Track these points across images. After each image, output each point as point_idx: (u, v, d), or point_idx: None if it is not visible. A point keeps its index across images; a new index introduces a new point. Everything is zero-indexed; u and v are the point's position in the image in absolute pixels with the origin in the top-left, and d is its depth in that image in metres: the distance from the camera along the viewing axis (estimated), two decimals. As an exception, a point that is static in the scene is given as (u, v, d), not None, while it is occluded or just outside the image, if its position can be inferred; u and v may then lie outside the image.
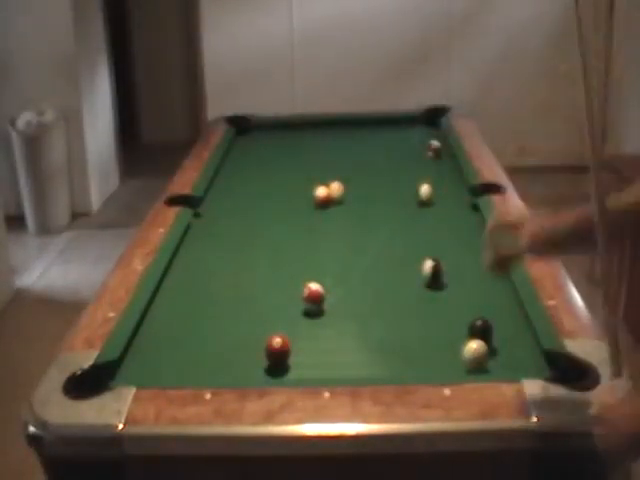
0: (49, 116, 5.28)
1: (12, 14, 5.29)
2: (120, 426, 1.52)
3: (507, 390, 1.57)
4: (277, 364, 1.76)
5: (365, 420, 1.53)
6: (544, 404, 1.52)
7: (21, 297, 4.45)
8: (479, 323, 1.81)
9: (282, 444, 1.53)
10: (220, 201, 2.91)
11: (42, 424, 1.54)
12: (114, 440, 1.51)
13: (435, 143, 3.34)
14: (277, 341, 1.76)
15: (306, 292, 2.00)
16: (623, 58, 5.53)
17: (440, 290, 2.13)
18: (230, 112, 3.99)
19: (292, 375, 1.75)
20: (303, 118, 4.14)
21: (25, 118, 5.22)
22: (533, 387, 1.57)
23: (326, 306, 2.02)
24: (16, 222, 5.22)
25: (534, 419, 1.49)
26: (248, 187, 3.11)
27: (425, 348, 1.85)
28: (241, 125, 3.85)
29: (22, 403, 1.62)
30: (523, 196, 2.74)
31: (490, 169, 3.02)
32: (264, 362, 1.78)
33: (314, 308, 2.00)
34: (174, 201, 2.77)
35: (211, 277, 2.30)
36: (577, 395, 1.54)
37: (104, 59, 6.04)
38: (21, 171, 5.33)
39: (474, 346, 1.73)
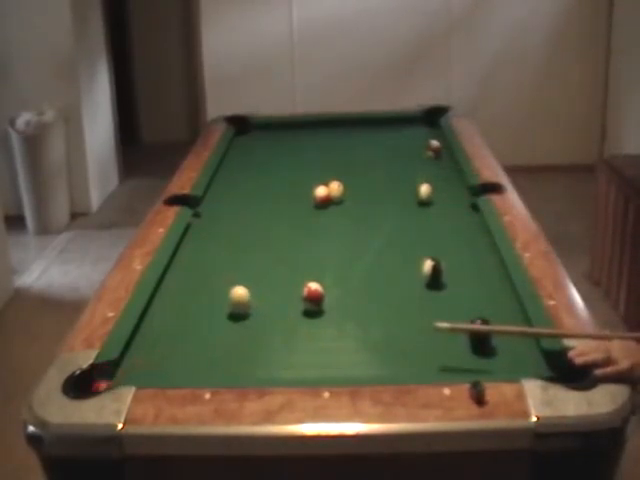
0: (49, 116, 5.28)
1: (12, 14, 5.29)
2: (120, 426, 1.51)
3: (507, 390, 1.57)
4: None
5: (365, 420, 1.52)
6: (544, 404, 1.52)
7: (21, 297, 4.45)
8: (479, 323, 1.81)
9: (282, 444, 1.53)
10: (219, 201, 2.91)
11: (42, 424, 1.54)
12: (114, 440, 1.51)
13: (435, 143, 3.34)
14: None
15: (306, 292, 2.00)
16: (622, 58, 5.53)
17: (440, 290, 2.13)
18: (230, 112, 4.00)
19: (292, 375, 1.75)
20: (303, 118, 4.14)
21: (25, 118, 5.22)
22: (533, 387, 1.56)
23: (326, 306, 2.02)
24: (16, 222, 5.22)
25: (534, 419, 1.49)
26: (248, 187, 3.11)
27: (425, 348, 1.85)
28: (240, 125, 3.85)
29: (22, 403, 1.61)
30: (523, 196, 2.74)
31: (490, 169, 3.02)
32: (263, 362, 1.77)
33: (314, 308, 2.00)
34: (173, 201, 2.77)
35: (210, 277, 2.30)
36: (577, 395, 1.54)
37: (104, 59, 6.05)
38: (21, 171, 5.34)
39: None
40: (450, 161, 3.24)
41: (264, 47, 6.07)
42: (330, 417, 1.53)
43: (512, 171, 3.06)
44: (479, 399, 1.53)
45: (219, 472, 1.58)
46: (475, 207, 2.69)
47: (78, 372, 1.69)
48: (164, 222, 2.58)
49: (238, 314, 1.99)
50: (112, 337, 1.84)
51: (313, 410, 1.55)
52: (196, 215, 2.74)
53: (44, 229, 5.41)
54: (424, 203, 2.79)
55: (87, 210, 5.73)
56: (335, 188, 2.84)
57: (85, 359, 1.73)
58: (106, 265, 2.51)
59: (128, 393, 1.59)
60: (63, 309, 4.17)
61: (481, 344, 1.80)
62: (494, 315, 1.86)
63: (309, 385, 1.62)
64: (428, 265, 2.13)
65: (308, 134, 3.79)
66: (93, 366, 1.72)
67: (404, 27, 6.00)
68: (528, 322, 1.88)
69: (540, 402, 1.52)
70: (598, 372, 1.58)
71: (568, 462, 1.52)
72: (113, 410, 1.55)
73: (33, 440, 1.55)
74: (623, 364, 1.58)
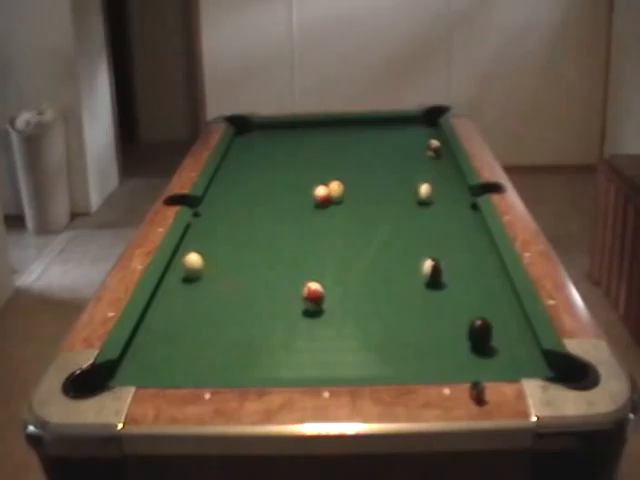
0: (48, 116, 5.28)
1: (12, 14, 5.29)
2: (119, 426, 1.51)
3: (507, 390, 1.57)
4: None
5: (365, 420, 1.52)
6: (544, 404, 1.52)
7: (20, 297, 4.45)
8: (479, 323, 1.81)
9: (282, 444, 1.53)
10: (219, 201, 2.91)
11: (42, 424, 1.54)
12: (113, 440, 1.51)
13: (435, 142, 3.34)
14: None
15: (306, 291, 2.00)
16: (622, 58, 5.53)
17: (439, 290, 2.13)
18: (229, 112, 4.00)
19: (292, 374, 1.75)
20: (303, 118, 4.14)
21: (25, 118, 5.22)
22: (533, 387, 1.56)
23: (326, 305, 2.02)
24: (15, 222, 5.22)
25: (534, 419, 1.49)
26: (247, 187, 3.11)
27: (425, 348, 1.85)
28: (240, 125, 3.85)
29: (22, 403, 1.61)
30: (523, 196, 2.74)
31: (490, 168, 3.02)
32: (263, 362, 1.77)
33: (314, 307, 2.00)
34: (173, 201, 2.77)
35: (210, 277, 2.30)
36: (577, 395, 1.54)
37: (104, 59, 6.04)
38: (20, 171, 5.34)
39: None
40: (450, 161, 3.24)
41: (264, 47, 6.07)
42: (330, 417, 1.53)
43: (512, 171, 3.06)
44: (479, 399, 1.53)
45: (219, 472, 1.58)
46: (475, 207, 2.69)
47: (78, 372, 1.69)
48: (164, 222, 2.58)
49: (191, 279, 2.24)
50: (112, 337, 1.84)
51: (313, 410, 1.55)
52: (196, 215, 2.74)
53: (44, 229, 5.41)
54: (424, 203, 2.79)
55: (87, 210, 5.72)
56: (335, 188, 2.84)
57: (85, 359, 1.73)
58: (106, 265, 2.51)
59: (128, 393, 1.59)
60: (63, 309, 4.17)
61: (481, 344, 1.80)
62: (494, 315, 1.86)
63: (309, 385, 1.62)
64: (428, 265, 2.13)
65: (308, 134, 3.79)
66: (93, 366, 1.72)
67: (404, 27, 6.00)
68: (528, 322, 1.88)
69: (540, 402, 1.52)
70: None
71: (568, 462, 1.52)
72: (113, 410, 1.55)
73: (33, 440, 1.55)
74: None
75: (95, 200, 5.81)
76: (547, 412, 1.50)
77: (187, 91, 7.21)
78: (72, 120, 5.49)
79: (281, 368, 1.80)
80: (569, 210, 5.33)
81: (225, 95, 6.03)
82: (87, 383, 1.65)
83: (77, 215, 5.65)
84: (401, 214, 2.75)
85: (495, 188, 2.77)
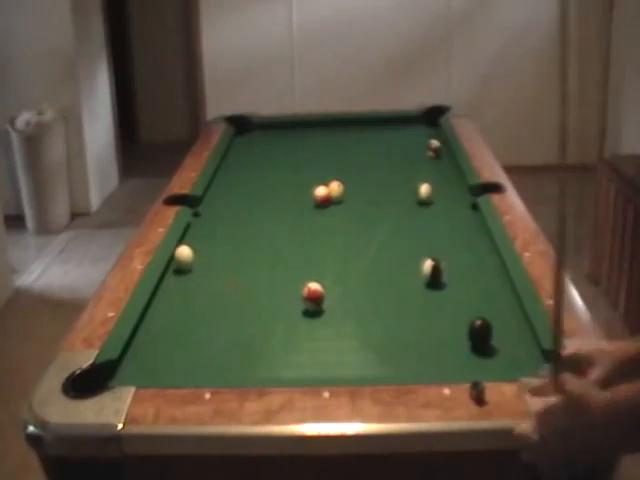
0: (48, 116, 5.28)
1: (12, 14, 5.29)
2: (119, 426, 1.51)
3: (507, 390, 1.57)
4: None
5: (365, 420, 1.52)
6: (543, 404, 1.51)
7: (20, 297, 4.45)
8: (478, 323, 1.81)
9: (282, 444, 1.53)
10: (219, 201, 2.91)
11: (41, 424, 1.54)
12: (113, 440, 1.50)
13: (435, 142, 3.34)
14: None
15: (306, 291, 2.00)
16: (622, 58, 5.53)
17: (439, 290, 2.13)
18: (229, 112, 4.00)
19: (291, 374, 1.75)
20: (303, 118, 4.14)
21: (25, 118, 5.22)
22: (533, 387, 1.56)
23: (326, 306, 2.02)
24: (15, 222, 5.23)
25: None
26: (247, 187, 3.11)
27: (425, 348, 1.85)
28: (240, 125, 3.85)
29: (21, 403, 1.61)
30: (523, 196, 2.74)
31: (490, 168, 3.02)
32: (263, 362, 1.76)
33: (314, 307, 2.00)
34: (173, 201, 2.77)
35: (210, 277, 2.30)
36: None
37: (104, 59, 6.05)
38: (20, 171, 5.34)
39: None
40: (450, 161, 3.24)
41: (264, 47, 6.07)
42: (330, 417, 1.53)
43: (512, 171, 3.06)
44: (479, 399, 1.53)
45: (219, 472, 1.58)
46: (475, 207, 2.69)
47: (78, 372, 1.69)
48: (164, 222, 2.58)
49: (182, 271, 2.28)
50: (112, 337, 1.84)
51: (313, 410, 1.55)
52: (196, 215, 2.74)
53: (44, 229, 5.41)
54: (424, 203, 2.79)
55: (87, 210, 5.73)
56: (335, 188, 2.84)
57: (85, 359, 1.73)
58: (106, 265, 2.51)
59: (128, 393, 1.59)
60: (63, 309, 4.17)
61: (481, 344, 1.80)
62: (494, 315, 1.86)
63: (309, 385, 1.62)
64: (428, 265, 2.13)
65: (308, 134, 3.79)
66: (93, 366, 1.72)
67: (404, 27, 6.00)
68: (528, 322, 1.88)
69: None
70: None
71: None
72: (113, 410, 1.55)
73: (33, 440, 1.55)
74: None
75: (95, 200, 5.81)
76: (547, 412, 1.50)
77: (187, 91, 7.21)
78: (72, 120, 5.50)
79: (281, 368, 1.80)
80: (569, 210, 5.30)
81: (225, 95, 6.03)
82: (87, 383, 1.65)
83: (77, 215, 5.65)
84: (401, 214, 2.75)
85: (495, 188, 2.77)
